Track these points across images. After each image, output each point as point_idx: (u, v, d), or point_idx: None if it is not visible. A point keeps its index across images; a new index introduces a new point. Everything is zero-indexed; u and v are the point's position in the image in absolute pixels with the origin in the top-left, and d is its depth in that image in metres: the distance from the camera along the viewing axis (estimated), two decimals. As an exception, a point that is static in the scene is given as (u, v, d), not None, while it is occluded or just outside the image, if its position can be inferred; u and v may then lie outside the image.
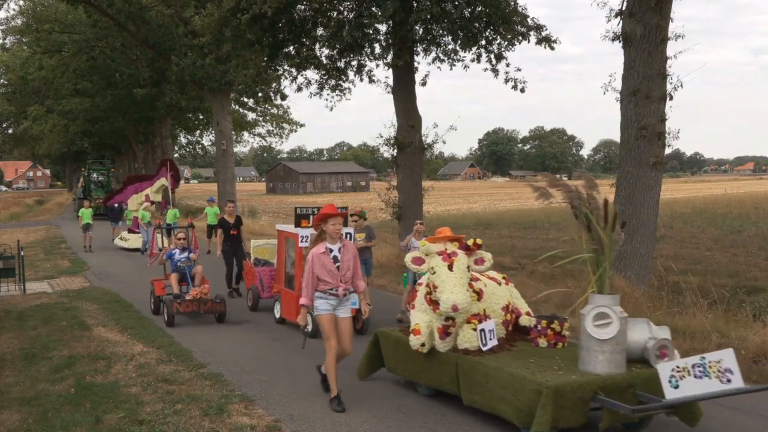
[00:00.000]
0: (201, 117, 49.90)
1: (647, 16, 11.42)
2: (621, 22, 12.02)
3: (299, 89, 18.66)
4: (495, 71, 17.19)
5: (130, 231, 23.90)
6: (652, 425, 6.09)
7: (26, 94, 48.12)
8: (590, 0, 15.38)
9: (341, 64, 17.83)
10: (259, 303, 11.99)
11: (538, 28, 16.77)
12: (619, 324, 5.81)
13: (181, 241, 11.61)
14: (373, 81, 17.96)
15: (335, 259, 6.70)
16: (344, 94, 18.61)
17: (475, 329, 6.46)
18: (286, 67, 18.67)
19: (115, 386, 7.44)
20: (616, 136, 12.66)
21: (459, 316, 6.41)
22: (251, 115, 48.95)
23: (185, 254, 11.50)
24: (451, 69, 24.91)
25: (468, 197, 68.95)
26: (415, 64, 17.30)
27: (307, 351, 8.08)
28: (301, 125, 50.89)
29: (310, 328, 8.95)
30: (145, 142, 51.66)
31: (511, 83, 17.22)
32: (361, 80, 18.14)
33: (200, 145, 61.43)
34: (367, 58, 17.70)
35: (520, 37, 16.69)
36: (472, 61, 17.40)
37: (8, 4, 45.53)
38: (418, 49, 17.32)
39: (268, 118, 49.82)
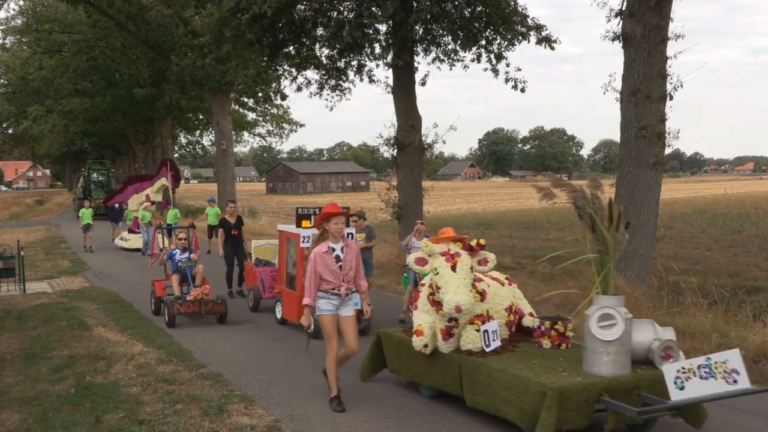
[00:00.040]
0: (201, 117, 49.92)
1: (647, 16, 11.41)
2: (621, 22, 12.02)
3: (299, 89, 18.68)
4: (495, 71, 17.19)
5: (131, 231, 23.89)
6: (657, 427, 6.05)
7: (26, 94, 48.11)
8: (590, 0, 15.38)
9: (341, 64, 17.82)
10: (260, 303, 11.96)
11: (538, 28, 16.77)
12: (624, 325, 5.76)
13: (182, 242, 11.57)
14: (373, 81, 17.98)
15: (338, 259, 6.66)
16: (344, 94, 18.61)
17: (478, 330, 6.43)
18: (286, 67, 18.64)
19: (115, 386, 7.42)
20: (616, 136, 12.66)
21: (462, 317, 6.37)
22: (251, 115, 49.04)
23: (186, 254, 11.45)
24: (451, 69, 24.95)
25: (468, 197, 68.95)
26: (415, 64, 17.29)
27: (307, 351, 8.05)
28: (301, 125, 50.97)
29: (313, 328, 8.92)
30: (145, 142, 51.64)
31: (511, 83, 17.23)
32: (361, 80, 18.18)
33: (200, 145, 61.53)
34: (367, 58, 17.71)
35: (520, 37, 16.69)
36: (472, 61, 17.41)
37: (8, 4, 45.68)
38: (418, 49, 17.30)
39: (268, 118, 49.84)
